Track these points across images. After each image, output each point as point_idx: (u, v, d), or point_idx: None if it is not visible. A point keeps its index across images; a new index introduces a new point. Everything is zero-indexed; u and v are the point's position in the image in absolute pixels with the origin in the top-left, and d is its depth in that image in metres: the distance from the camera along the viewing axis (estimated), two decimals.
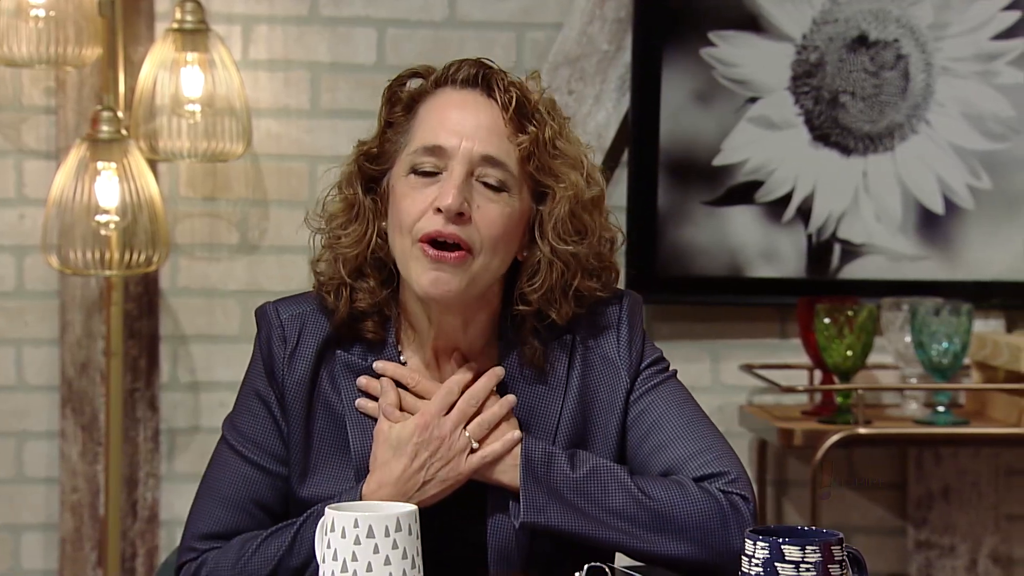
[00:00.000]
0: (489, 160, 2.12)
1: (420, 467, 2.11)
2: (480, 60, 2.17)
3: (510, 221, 2.14)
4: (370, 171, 2.18)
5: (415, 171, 2.12)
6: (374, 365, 2.18)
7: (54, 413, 3.59)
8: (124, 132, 3.39)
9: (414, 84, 2.19)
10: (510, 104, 2.13)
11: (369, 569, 1.86)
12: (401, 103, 2.18)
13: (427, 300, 2.14)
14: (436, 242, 2.10)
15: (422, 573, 1.90)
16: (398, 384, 2.17)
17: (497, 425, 2.14)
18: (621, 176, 3.65)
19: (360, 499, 2.10)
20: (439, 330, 2.18)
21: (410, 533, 1.88)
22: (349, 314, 2.18)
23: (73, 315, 3.56)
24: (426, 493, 2.11)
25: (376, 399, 2.16)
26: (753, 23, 3.63)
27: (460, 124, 2.12)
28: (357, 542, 1.86)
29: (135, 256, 3.40)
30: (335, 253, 2.18)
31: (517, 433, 2.13)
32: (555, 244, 2.15)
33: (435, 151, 2.11)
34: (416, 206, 2.11)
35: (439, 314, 2.17)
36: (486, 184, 2.12)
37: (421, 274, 2.11)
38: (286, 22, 3.61)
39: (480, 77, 2.15)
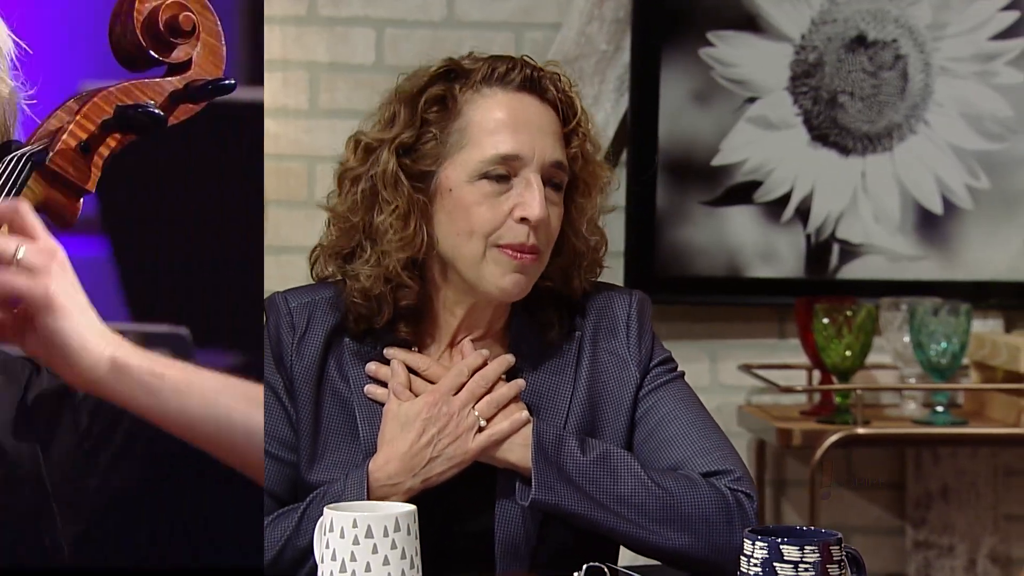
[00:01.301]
0: (556, 164, 2.16)
1: (428, 443, 2.12)
2: (524, 59, 2.18)
3: (562, 218, 2.19)
4: (412, 169, 2.17)
5: (487, 177, 2.13)
6: (384, 351, 2.19)
7: None
8: None
9: (436, 76, 2.18)
10: (562, 107, 2.18)
11: (368, 569, 1.86)
12: (435, 99, 2.16)
13: (495, 299, 2.17)
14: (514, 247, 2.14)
15: (421, 573, 1.90)
16: (409, 370, 2.18)
17: (505, 406, 2.15)
18: (620, 176, 3.64)
19: (367, 474, 2.10)
20: (465, 321, 2.20)
21: (409, 533, 1.88)
22: (392, 317, 2.19)
23: None
24: (432, 470, 2.12)
25: (385, 386, 2.17)
26: (752, 23, 3.63)
27: (528, 130, 2.14)
28: (356, 542, 1.86)
29: None
30: (385, 258, 2.15)
31: (525, 414, 2.14)
32: (584, 233, 2.21)
33: (509, 159, 2.13)
34: (494, 214, 2.13)
35: (484, 308, 2.19)
36: (552, 187, 2.16)
37: (501, 276, 2.14)
38: (284, 22, 3.61)
39: (533, 80, 2.17)
